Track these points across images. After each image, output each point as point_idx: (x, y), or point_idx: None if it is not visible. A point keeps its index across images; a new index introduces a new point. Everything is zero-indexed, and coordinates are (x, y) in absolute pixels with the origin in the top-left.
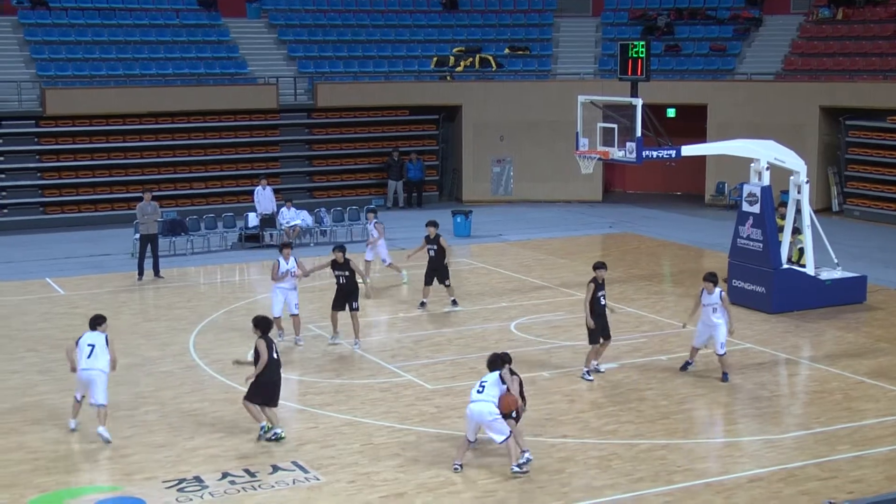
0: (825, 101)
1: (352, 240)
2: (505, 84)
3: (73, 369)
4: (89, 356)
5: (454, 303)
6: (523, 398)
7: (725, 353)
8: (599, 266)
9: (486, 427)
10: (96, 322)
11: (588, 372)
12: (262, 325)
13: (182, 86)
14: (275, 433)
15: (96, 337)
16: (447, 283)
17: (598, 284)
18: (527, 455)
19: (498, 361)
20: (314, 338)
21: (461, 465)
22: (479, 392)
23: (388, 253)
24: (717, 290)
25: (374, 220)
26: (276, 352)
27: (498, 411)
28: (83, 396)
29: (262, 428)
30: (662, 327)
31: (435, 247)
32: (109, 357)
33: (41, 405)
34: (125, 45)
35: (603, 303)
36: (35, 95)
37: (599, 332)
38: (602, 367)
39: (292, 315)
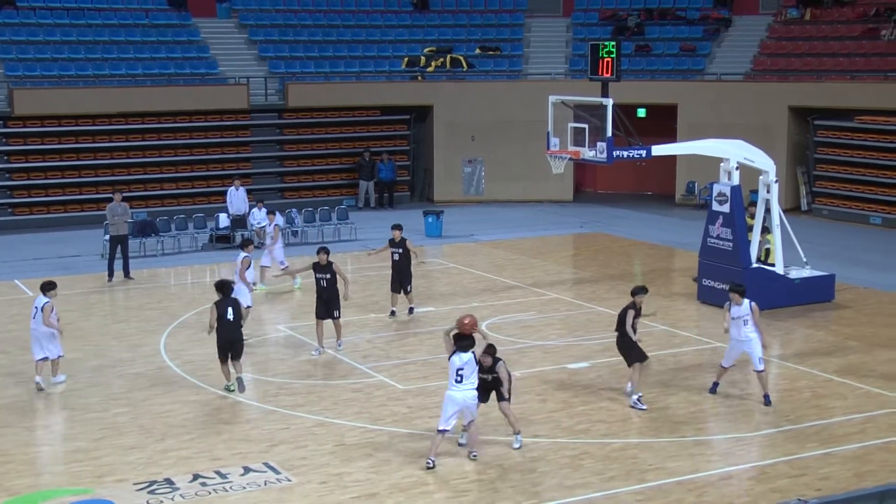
0: (794, 101)
1: (322, 240)
2: (476, 84)
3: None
4: (34, 317)
5: (411, 311)
6: (509, 391)
7: (764, 370)
8: (638, 291)
9: (468, 411)
10: (43, 288)
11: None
12: (219, 287)
13: (152, 86)
14: (226, 386)
15: (39, 300)
16: (408, 288)
17: (637, 311)
18: (519, 437)
19: (471, 341)
20: (285, 338)
21: (434, 462)
22: (457, 381)
23: (284, 256)
24: (746, 301)
25: (274, 223)
26: (233, 313)
27: (477, 394)
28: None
29: (225, 387)
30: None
31: (400, 250)
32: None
33: (11, 407)
34: (94, 45)
35: (636, 334)
36: (3, 95)
37: (635, 354)
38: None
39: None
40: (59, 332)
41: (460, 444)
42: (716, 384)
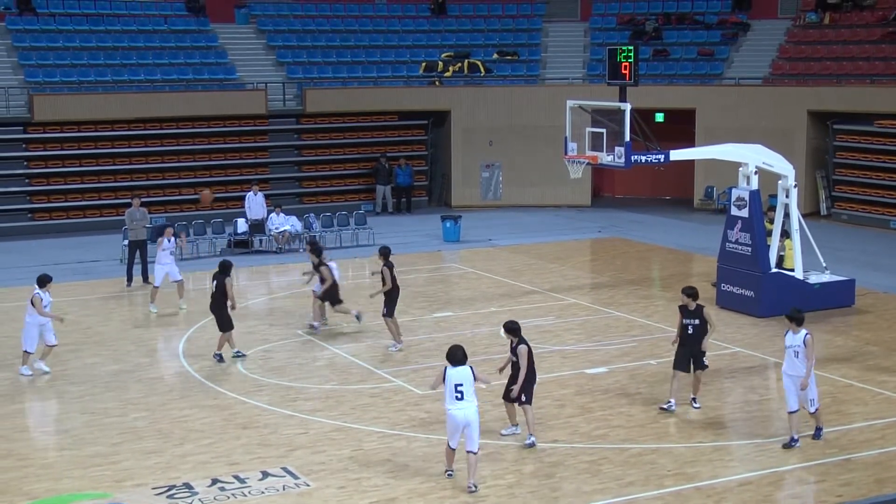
0: (813, 106)
1: (340, 245)
2: (494, 89)
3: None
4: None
5: (312, 327)
6: (533, 371)
7: (818, 411)
8: (686, 292)
9: (469, 429)
10: (38, 282)
11: (694, 399)
12: (221, 266)
13: (171, 92)
14: (217, 355)
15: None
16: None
17: (685, 311)
18: (532, 439)
19: (461, 354)
20: (303, 343)
21: (453, 472)
22: (458, 398)
23: (178, 271)
24: (804, 331)
25: (172, 236)
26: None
27: (476, 408)
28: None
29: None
30: (652, 331)
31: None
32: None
33: (31, 412)
34: (114, 51)
35: (690, 331)
36: (23, 101)
37: (682, 359)
38: (697, 403)
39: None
40: (60, 319)
41: (503, 435)
42: (793, 440)
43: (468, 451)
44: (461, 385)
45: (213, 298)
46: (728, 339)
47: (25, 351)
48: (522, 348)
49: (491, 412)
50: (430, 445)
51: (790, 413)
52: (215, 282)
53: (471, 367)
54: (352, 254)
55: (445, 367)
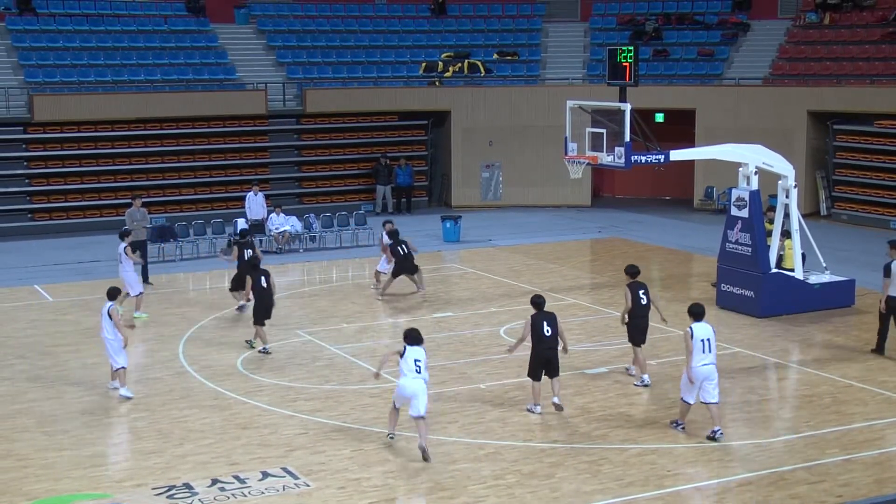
0: (813, 106)
1: (341, 246)
2: (494, 89)
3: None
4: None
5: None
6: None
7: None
8: (629, 271)
9: (416, 400)
10: (109, 295)
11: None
12: (254, 261)
13: (171, 92)
14: (263, 348)
15: (103, 307)
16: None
17: (634, 286)
18: (538, 409)
19: (418, 335)
20: (304, 343)
21: (395, 435)
22: (417, 371)
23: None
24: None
25: (124, 245)
26: (266, 282)
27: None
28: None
29: (262, 349)
30: (651, 331)
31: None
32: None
33: (30, 412)
34: (113, 52)
35: (644, 301)
36: (23, 102)
37: (641, 332)
38: (645, 381)
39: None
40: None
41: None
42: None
43: (415, 417)
44: (419, 361)
45: (269, 293)
46: (728, 340)
47: (121, 368)
48: (525, 324)
49: (491, 412)
50: (430, 445)
51: (708, 405)
52: (265, 277)
53: (424, 349)
54: (352, 254)
55: (405, 346)
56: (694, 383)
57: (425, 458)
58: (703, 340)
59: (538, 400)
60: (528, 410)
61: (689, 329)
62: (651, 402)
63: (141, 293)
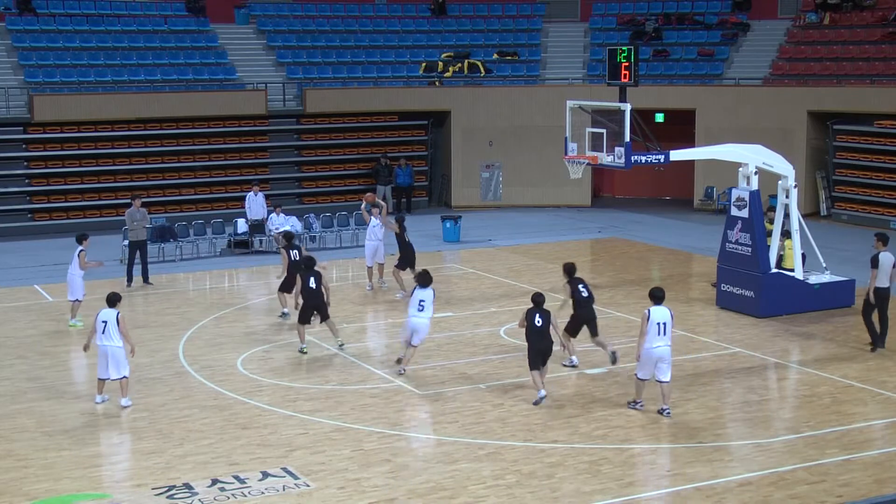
0: (813, 106)
1: (341, 246)
2: (494, 89)
3: (86, 348)
4: (103, 332)
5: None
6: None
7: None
8: (567, 268)
9: (417, 334)
10: (110, 301)
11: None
12: (306, 261)
13: (171, 92)
14: (300, 348)
15: (108, 314)
16: None
17: (575, 282)
18: (542, 393)
19: (430, 277)
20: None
21: (405, 370)
22: (419, 310)
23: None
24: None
25: (80, 249)
26: (316, 283)
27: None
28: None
29: (300, 349)
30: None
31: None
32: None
33: (30, 412)
34: (113, 52)
35: (586, 294)
36: (23, 102)
37: (578, 325)
38: (574, 361)
39: None
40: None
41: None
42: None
43: (412, 346)
44: (423, 301)
45: (318, 292)
46: (728, 340)
47: (124, 378)
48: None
49: (491, 412)
50: (430, 446)
51: (661, 383)
52: (314, 277)
53: (433, 290)
54: (352, 254)
55: (415, 286)
56: (642, 361)
57: (398, 363)
58: (658, 324)
59: (540, 386)
60: (536, 402)
61: (646, 311)
62: (650, 402)
63: (79, 301)
